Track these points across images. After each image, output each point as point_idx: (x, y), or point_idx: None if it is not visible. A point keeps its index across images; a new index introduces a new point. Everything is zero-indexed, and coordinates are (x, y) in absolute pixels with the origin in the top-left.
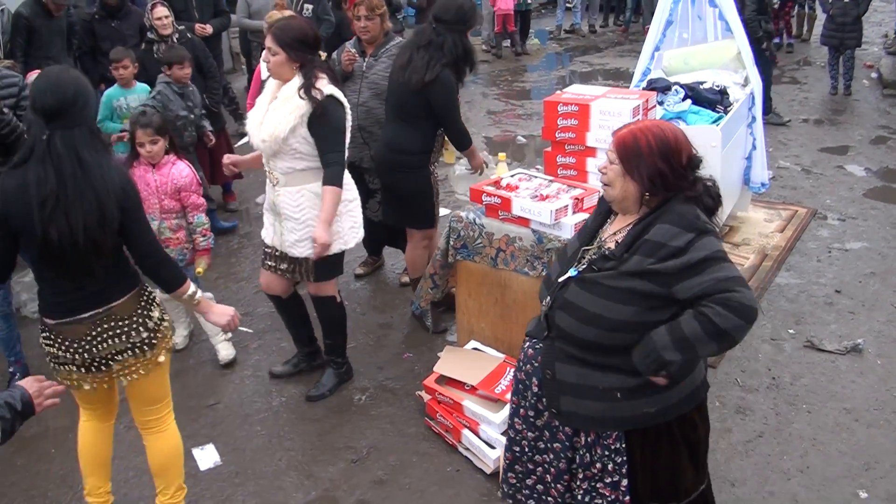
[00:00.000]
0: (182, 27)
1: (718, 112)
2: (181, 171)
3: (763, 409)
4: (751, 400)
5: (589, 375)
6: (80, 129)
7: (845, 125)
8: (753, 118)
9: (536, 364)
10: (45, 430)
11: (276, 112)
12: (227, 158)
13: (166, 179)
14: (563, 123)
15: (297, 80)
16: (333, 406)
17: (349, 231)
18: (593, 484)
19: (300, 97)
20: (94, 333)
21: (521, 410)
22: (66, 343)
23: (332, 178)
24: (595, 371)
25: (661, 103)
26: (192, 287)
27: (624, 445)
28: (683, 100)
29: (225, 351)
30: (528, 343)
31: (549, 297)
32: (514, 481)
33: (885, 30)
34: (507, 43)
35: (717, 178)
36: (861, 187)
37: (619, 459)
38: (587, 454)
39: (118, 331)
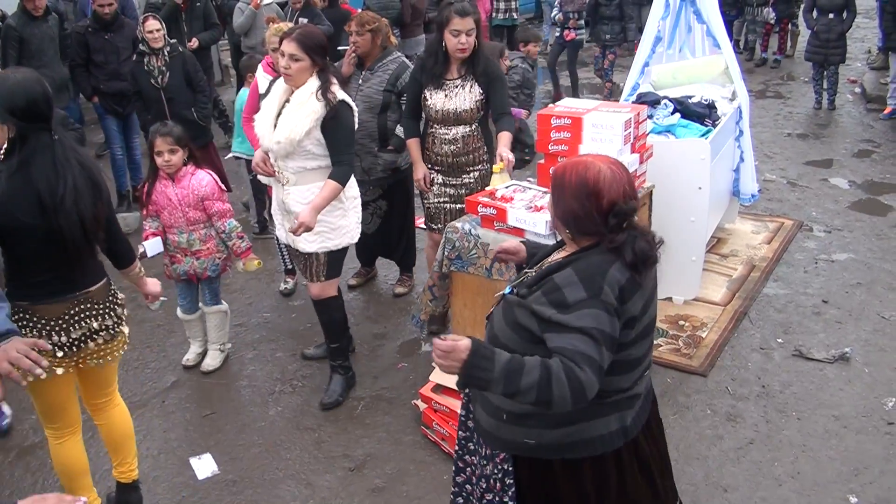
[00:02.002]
0: (174, 41)
1: (707, 126)
2: (201, 180)
3: (754, 417)
4: (741, 408)
5: None
6: (61, 127)
7: (830, 139)
8: (741, 131)
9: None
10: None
11: (291, 115)
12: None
13: (187, 191)
14: (556, 136)
15: (312, 84)
16: (330, 415)
17: (355, 226)
18: (495, 498)
19: (317, 99)
20: (71, 313)
21: (461, 408)
22: (42, 322)
23: (339, 176)
24: None
25: (650, 117)
26: (138, 264)
27: (511, 468)
28: (672, 113)
29: (211, 360)
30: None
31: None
32: (455, 487)
33: (867, 46)
34: None
35: (706, 191)
36: (846, 200)
37: (507, 481)
38: (487, 466)
39: (93, 312)
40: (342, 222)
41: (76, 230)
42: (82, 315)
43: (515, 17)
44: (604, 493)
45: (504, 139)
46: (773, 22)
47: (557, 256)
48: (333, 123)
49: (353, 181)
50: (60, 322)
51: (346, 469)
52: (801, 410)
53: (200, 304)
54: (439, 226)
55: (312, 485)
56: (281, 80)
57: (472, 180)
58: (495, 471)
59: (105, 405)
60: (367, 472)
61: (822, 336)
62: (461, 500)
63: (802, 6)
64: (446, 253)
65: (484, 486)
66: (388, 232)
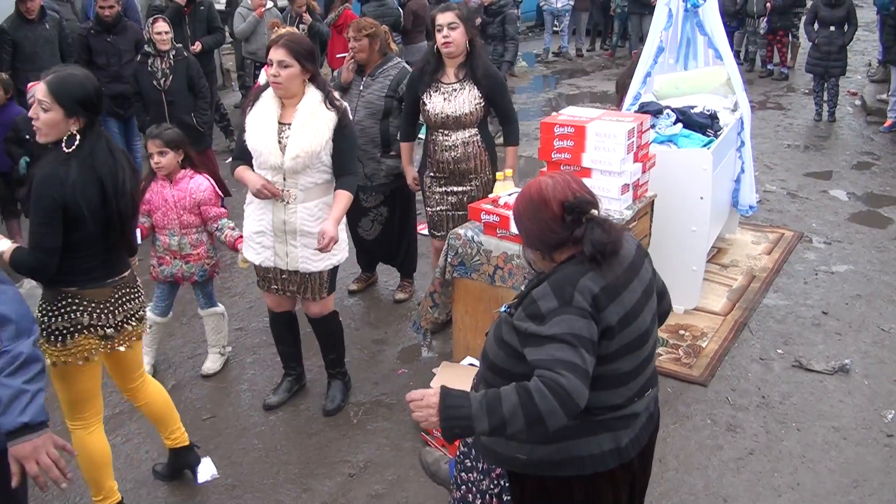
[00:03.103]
0: (179, 45)
1: (709, 136)
2: (199, 184)
3: (754, 427)
4: (741, 418)
5: None
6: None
7: (830, 151)
8: (742, 142)
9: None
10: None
11: (306, 127)
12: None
13: (184, 194)
14: (559, 144)
15: (316, 94)
16: (330, 420)
17: (346, 243)
18: None
19: (327, 108)
20: (116, 297)
21: None
22: (92, 306)
23: (350, 186)
24: None
25: (652, 126)
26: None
27: (507, 484)
28: (675, 123)
29: (211, 363)
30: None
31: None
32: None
33: (868, 58)
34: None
35: (708, 201)
36: (846, 211)
37: (504, 497)
38: (484, 481)
39: (131, 296)
40: (343, 235)
41: (131, 211)
42: (124, 298)
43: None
44: None
45: (510, 155)
46: (762, 32)
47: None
48: (343, 132)
49: None
50: (108, 304)
51: (346, 475)
52: (800, 421)
53: (198, 309)
54: (442, 233)
55: (312, 490)
56: (267, 93)
57: (473, 188)
58: (492, 486)
59: (141, 386)
60: (367, 477)
61: (821, 347)
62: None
63: (803, 18)
64: (449, 259)
65: (480, 501)
66: (389, 238)
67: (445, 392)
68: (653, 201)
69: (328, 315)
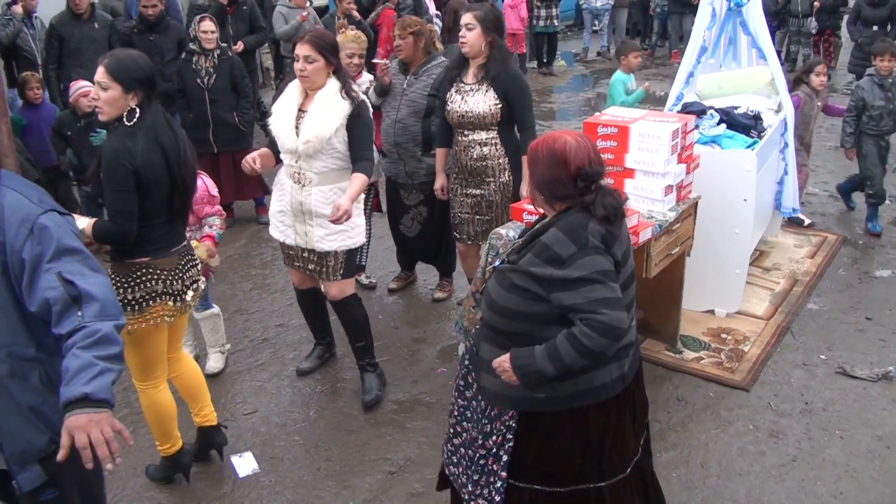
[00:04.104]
0: (224, 44)
1: (752, 137)
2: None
3: (796, 434)
4: (784, 424)
5: (497, 354)
6: None
7: None
8: (786, 144)
9: (472, 341)
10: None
11: (318, 114)
12: (249, 157)
13: None
14: (602, 145)
15: (334, 84)
16: (369, 418)
17: (365, 227)
18: (487, 454)
19: (342, 98)
20: (182, 263)
21: (458, 380)
22: (165, 273)
23: (365, 170)
24: (501, 352)
25: (696, 127)
26: None
27: (514, 424)
28: (718, 124)
29: (214, 362)
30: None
31: (483, 284)
32: (451, 447)
33: None
34: (533, 64)
35: (751, 203)
36: (889, 215)
37: (509, 436)
38: (488, 425)
39: (192, 262)
40: (359, 220)
41: (191, 181)
42: (188, 265)
43: (556, 24)
44: (604, 437)
45: (524, 166)
46: (814, 32)
47: (539, 226)
48: (357, 121)
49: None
50: (176, 272)
51: (387, 472)
52: (844, 429)
53: (193, 311)
54: (463, 236)
55: (352, 487)
56: (294, 82)
57: (489, 191)
58: (501, 427)
59: (179, 357)
60: (407, 476)
61: (865, 354)
62: (455, 460)
63: (846, 18)
64: (490, 259)
65: (479, 443)
66: (429, 237)
67: (514, 355)
68: (696, 203)
69: (348, 298)
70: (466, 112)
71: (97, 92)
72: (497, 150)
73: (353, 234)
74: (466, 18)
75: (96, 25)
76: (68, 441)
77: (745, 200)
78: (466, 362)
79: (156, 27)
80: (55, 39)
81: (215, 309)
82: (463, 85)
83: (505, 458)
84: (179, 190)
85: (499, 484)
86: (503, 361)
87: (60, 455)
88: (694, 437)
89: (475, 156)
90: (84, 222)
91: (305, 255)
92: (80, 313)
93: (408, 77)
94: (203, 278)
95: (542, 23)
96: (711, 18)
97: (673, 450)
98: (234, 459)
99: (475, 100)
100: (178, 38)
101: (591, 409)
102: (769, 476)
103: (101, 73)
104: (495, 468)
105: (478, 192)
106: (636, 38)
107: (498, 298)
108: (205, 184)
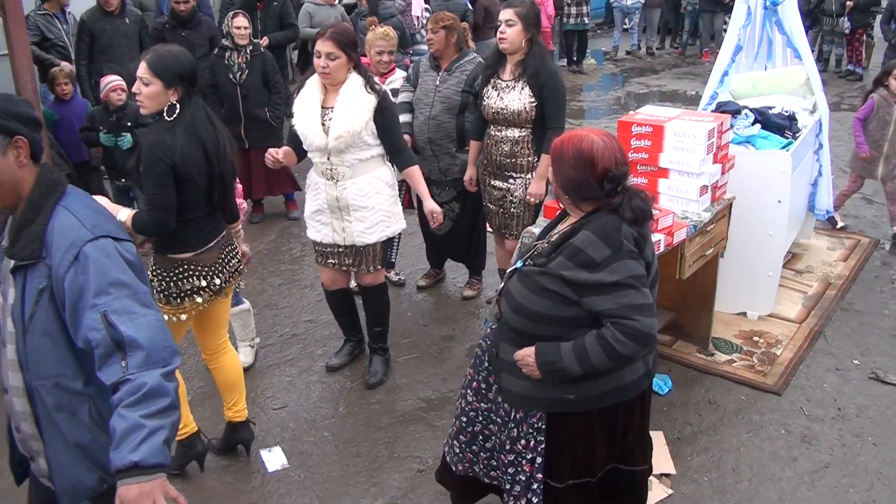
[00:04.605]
0: (257, 40)
1: (787, 138)
2: None
3: (829, 440)
4: (816, 430)
5: None
6: None
7: None
8: (820, 145)
9: (489, 343)
10: None
11: (347, 109)
12: (271, 153)
13: None
14: (636, 144)
15: (357, 79)
16: (398, 415)
17: (400, 216)
18: (518, 459)
19: (367, 91)
20: (222, 257)
21: (475, 383)
22: (206, 269)
23: (409, 160)
24: None
25: (730, 127)
26: (240, 224)
27: (544, 426)
28: (753, 124)
29: (245, 356)
30: (489, 324)
31: (501, 285)
32: (458, 450)
33: None
34: (562, 62)
35: (786, 204)
36: None
37: (539, 438)
38: (515, 429)
39: (233, 253)
40: (396, 209)
41: (230, 176)
42: (228, 256)
43: (587, 21)
44: (628, 430)
45: (542, 164)
46: (847, 32)
47: (563, 226)
48: (386, 113)
49: (389, 170)
50: (217, 266)
51: (415, 471)
52: (877, 436)
53: None
54: (493, 226)
55: (381, 484)
56: (312, 79)
57: (513, 187)
58: (530, 430)
59: (223, 346)
60: None
61: None
62: (494, 463)
63: (879, 17)
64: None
65: (508, 448)
66: (459, 234)
67: (539, 350)
68: (731, 204)
69: (380, 286)
70: (502, 109)
71: (139, 86)
72: (528, 148)
73: (390, 223)
74: (507, 14)
75: (127, 21)
76: None
77: (779, 202)
78: (486, 364)
79: (188, 23)
80: (86, 35)
81: (246, 304)
82: (500, 81)
83: (539, 460)
84: (218, 185)
85: (535, 486)
86: (527, 355)
87: None
88: (726, 441)
89: (505, 151)
90: (125, 214)
91: (342, 250)
92: (123, 363)
93: (440, 73)
94: (244, 265)
95: (572, 20)
96: (747, 17)
97: (704, 453)
98: (264, 454)
99: (511, 97)
100: (209, 35)
101: (620, 407)
102: (801, 482)
103: (143, 69)
104: (529, 471)
105: (503, 185)
106: (667, 37)
107: (525, 302)
108: None
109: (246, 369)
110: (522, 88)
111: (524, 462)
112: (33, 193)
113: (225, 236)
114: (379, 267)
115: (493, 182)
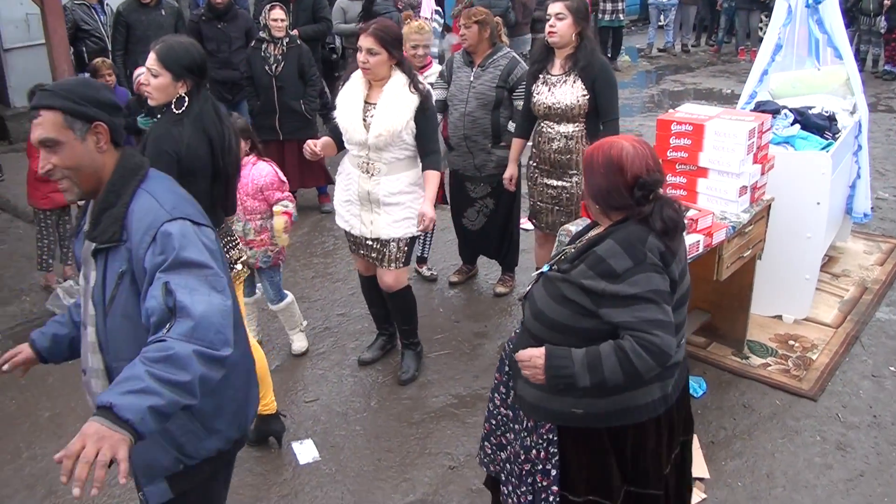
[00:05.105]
0: (294, 32)
1: (827, 138)
2: (261, 170)
3: (864, 448)
4: (852, 437)
5: None
6: None
7: None
8: (860, 146)
9: (511, 346)
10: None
11: (389, 108)
12: (310, 141)
13: (247, 180)
14: (675, 143)
15: (400, 78)
16: (430, 412)
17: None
18: (533, 468)
19: (410, 92)
20: (221, 245)
21: (501, 387)
22: None
23: (435, 164)
24: None
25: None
26: None
27: (556, 438)
28: (792, 124)
29: (299, 342)
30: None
31: (528, 287)
32: (490, 451)
33: None
34: None
35: (825, 206)
36: None
37: (551, 450)
38: (528, 438)
39: (231, 244)
40: (415, 211)
41: (234, 171)
42: (227, 248)
43: (622, 18)
44: (640, 454)
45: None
46: (883, 31)
47: (592, 233)
48: (427, 114)
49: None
50: None
51: (446, 467)
52: None
53: (268, 303)
54: (542, 225)
55: (412, 480)
56: (357, 73)
57: (571, 184)
58: (540, 441)
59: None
60: (467, 471)
61: None
62: (508, 468)
63: None
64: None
65: (522, 458)
66: (493, 230)
67: (549, 352)
68: (770, 205)
69: (403, 289)
70: (554, 104)
71: (147, 77)
72: (583, 143)
73: (416, 220)
74: (556, 8)
75: (163, 12)
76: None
77: (818, 204)
78: (507, 368)
79: (224, 15)
80: (122, 26)
81: (289, 297)
82: (550, 76)
83: (554, 472)
84: (221, 179)
85: (551, 498)
86: (535, 356)
87: (56, 456)
88: (760, 447)
89: (559, 148)
90: None
91: (369, 242)
92: (168, 326)
93: (474, 69)
94: (244, 263)
95: (607, 16)
96: (787, 15)
97: (739, 458)
98: (295, 446)
99: (562, 91)
100: (245, 28)
101: (630, 430)
102: (836, 490)
103: (152, 60)
104: (544, 483)
105: (559, 184)
106: (703, 34)
107: (546, 309)
108: (273, 170)
109: (303, 354)
110: (574, 82)
111: (538, 474)
112: (114, 177)
113: (224, 228)
114: (401, 266)
115: (546, 181)
